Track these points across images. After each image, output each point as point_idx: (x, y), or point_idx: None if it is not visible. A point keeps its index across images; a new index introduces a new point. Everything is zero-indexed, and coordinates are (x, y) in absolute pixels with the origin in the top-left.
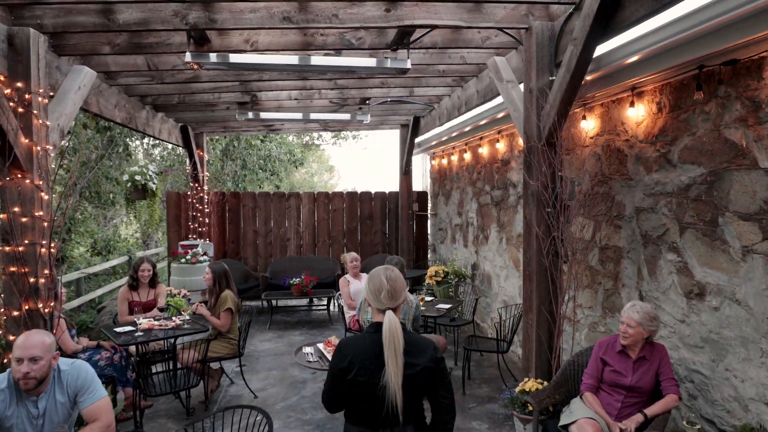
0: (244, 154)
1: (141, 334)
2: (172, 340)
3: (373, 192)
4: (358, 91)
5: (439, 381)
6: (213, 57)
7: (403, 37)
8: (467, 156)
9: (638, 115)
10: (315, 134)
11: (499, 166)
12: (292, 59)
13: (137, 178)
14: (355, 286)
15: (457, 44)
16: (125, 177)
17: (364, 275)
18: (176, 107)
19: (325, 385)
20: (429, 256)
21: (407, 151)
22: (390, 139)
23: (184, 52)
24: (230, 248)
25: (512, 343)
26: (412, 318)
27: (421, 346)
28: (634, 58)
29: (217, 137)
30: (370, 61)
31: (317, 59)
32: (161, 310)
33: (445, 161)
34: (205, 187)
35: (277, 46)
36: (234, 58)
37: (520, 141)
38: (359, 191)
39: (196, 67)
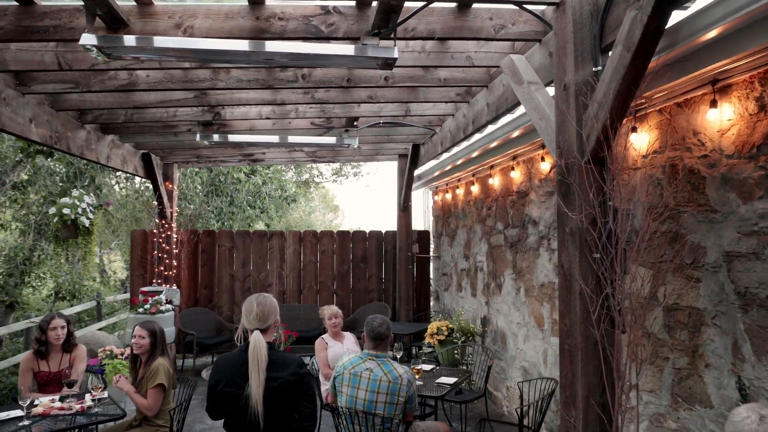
0: (231, 190)
1: (28, 422)
2: (77, 430)
3: (367, 231)
4: (343, 109)
5: (300, 393)
6: (128, 41)
7: (389, 17)
8: (475, 189)
9: (722, 119)
10: (315, 171)
11: (514, 200)
12: (239, 45)
13: (66, 211)
14: (335, 350)
15: (462, 34)
16: (52, 210)
17: (349, 335)
18: (128, 129)
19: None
20: (431, 305)
21: (406, 184)
22: (391, 175)
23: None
24: (202, 294)
25: (540, 427)
26: (404, 400)
27: (284, 362)
28: (719, 28)
29: (196, 170)
30: (345, 49)
31: (273, 45)
32: (70, 385)
33: (449, 196)
34: (174, 225)
35: (220, 33)
36: (159, 42)
37: (542, 167)
38: (351, 230)
39: (104, 58)
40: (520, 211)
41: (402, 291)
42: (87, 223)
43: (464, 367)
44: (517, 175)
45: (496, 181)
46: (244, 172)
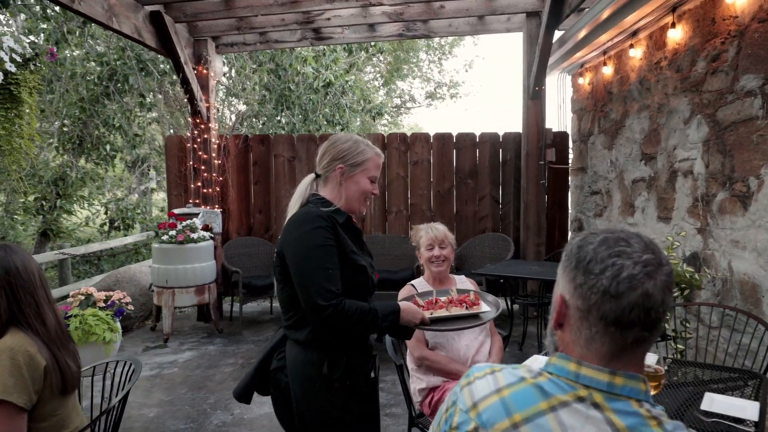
0: (304, 101)
1: None
2: None
3: (477, 134)
4: None
5: (285, 266)
6: None
7: None
8: (675, 35)
9: None
10: (406, 95)
11: None
12: None
13: None
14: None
15: None
16: None
17: (463, 280)
18: None
19: None
20: (570, 237)
21: (539, 56)
22: (497, 94)
23: None
24: (257, 221)
25: None
26: None
27: (290, 219)
28: None
29: (254, 66)
30: None
31: None
32: None
33: (608, 70)
34: (213, 126)
35: None
36: None
37: None
38: (455, 133)
39: None
40: None
41: (530, 218)
42: (0, 78)
43: (679, 346)
44: None
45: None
46: (312, 67)
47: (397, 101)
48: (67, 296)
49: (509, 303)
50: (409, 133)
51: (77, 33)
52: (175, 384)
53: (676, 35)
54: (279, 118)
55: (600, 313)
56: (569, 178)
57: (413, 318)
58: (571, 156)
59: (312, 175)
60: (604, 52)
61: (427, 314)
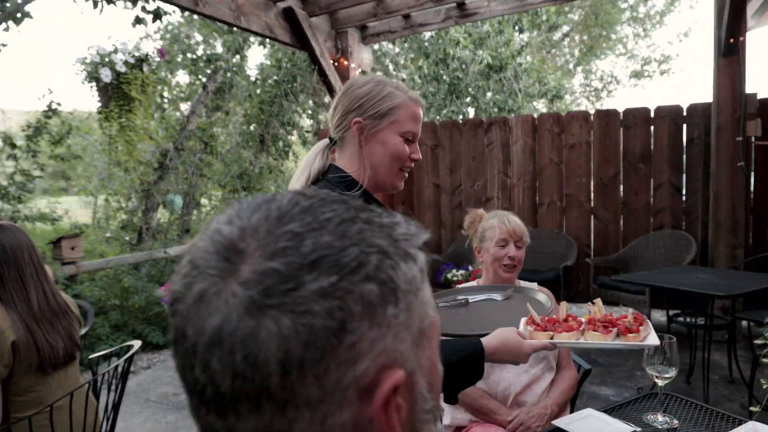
0: (472, 87)
1: None
2: None
3: (652, 109)
4: None
5: None
6: None
7: None
8: None
9: None
10: (607, 77)
11: None
12: None
13: (83, 58)
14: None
15: None
16: (82, 59)
17: (535, 288)
18: None
19: None
20: None
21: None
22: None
23: None
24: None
25: None
26: None
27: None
28: None
29: (411, 55)
30: None
31: None
32: None
33: None
34: None
35: None
36: None
37: None
38: (622, 110)
39: None
40: None
41: (721, 211)
42: (107, 78)
43: None
44: None
45: None
46: (469, 50)
47: (597, 84)
48: None
49: (668, 320)
50: (563, 113)
51: (255, 42)
52: None
53: None
54: (450, 107)
55: None
56: None
57: (516, 357)
58: None
59: (325, 141)
60: None
61: (544, 337)
